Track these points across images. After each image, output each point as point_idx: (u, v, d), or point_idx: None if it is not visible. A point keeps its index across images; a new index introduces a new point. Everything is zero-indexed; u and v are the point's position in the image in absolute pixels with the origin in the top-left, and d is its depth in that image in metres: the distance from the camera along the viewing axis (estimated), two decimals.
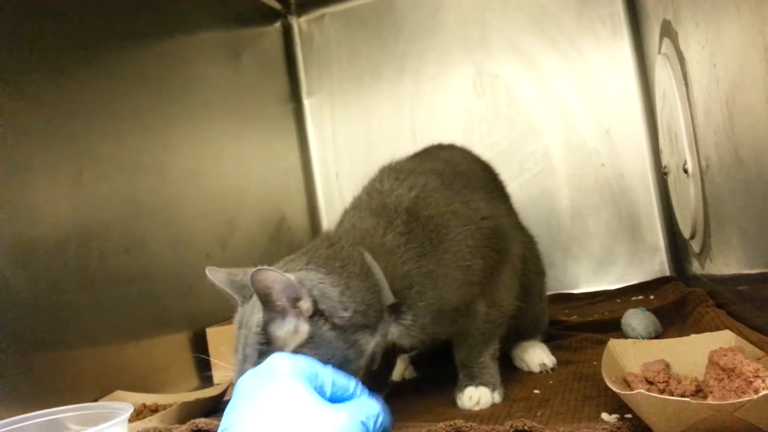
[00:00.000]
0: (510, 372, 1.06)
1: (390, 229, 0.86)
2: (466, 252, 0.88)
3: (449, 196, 0.92)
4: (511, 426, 0.75)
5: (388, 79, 1.96)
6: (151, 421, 0.96)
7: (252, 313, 0.76)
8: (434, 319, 0.87)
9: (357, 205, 0.93)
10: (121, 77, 1.32)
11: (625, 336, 1.13)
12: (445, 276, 0.86)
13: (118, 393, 1.13)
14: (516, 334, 1.11)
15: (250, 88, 1.84)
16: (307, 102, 2.04)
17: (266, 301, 0.72)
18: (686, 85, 1.14)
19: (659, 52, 1.35)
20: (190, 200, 1.49)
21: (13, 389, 0.98)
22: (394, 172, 0.95)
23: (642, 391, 0.65)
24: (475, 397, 0.90)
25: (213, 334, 1.39)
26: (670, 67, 1.23)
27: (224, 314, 1.51)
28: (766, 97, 0.74)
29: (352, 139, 2.00)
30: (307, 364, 0.65)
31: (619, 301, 1.55)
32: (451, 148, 1.19)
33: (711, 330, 0.91)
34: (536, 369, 1.05)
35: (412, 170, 0.95)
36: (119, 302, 1.22)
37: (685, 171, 1.18)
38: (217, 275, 0.83)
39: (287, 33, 2.07)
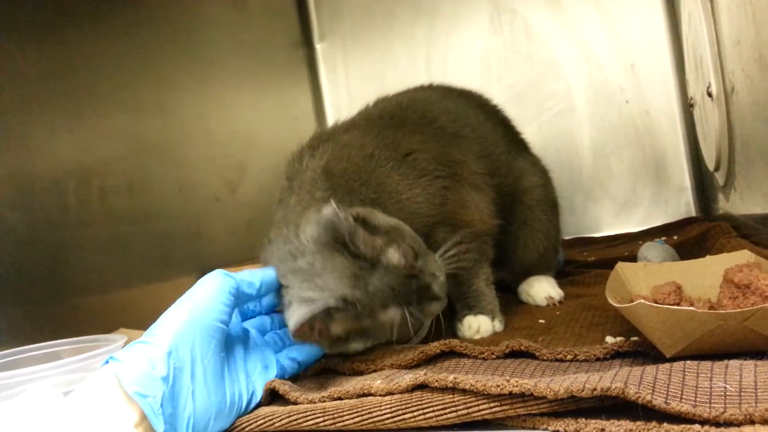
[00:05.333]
0: (516, 306, 1.02)
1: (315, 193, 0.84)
2: (399, 186, 0.87)
3: (362, 145, 0.90)
4: (507, 346, 0.71)
5: (401, 20, 1.89)
6: None
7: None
8: None
9: (285, 186, 0.91)
10: (120, 14, 1.28)
11: None
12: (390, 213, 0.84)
13: (122, 331, 1.12)
14: (523, 270, 1.08)
15: (258, 32, 1.79)
16: (319, 47, 1.98)
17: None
18: (711, 1, 1.06)
19: None
20: (196, 143, 1.46)
21: (10, 324, 0.98)
22: (309, 148, 0.92)
23: (642, 301, 0.60)
24: (475, 325, 0.86)
25: None
26: None
27: (233, 257, 1.50)
28: None
29: (366, 83, 1.94)
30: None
31: (640, 243, 1.48)
32: (417, 90, 1.16)
33: None
34: (542, 302, 1.00)
35: (327, 139, 0.93)
36: (122, 241, 1.21)
37: (710, 95, 1.10)
38: None
39: None
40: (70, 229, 1.10)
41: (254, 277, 0.76)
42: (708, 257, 0.80)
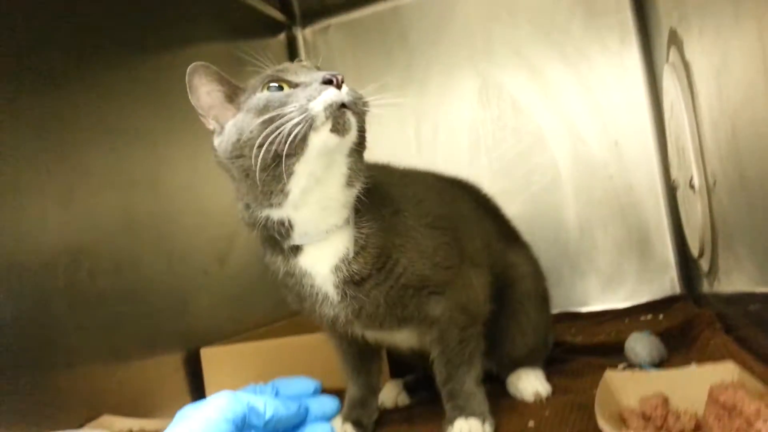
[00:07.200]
0: (504, 401, 1.01)
1: None
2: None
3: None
4: None
5: (392, 91, 1.91)
6: None
7: None
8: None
9: None
10: (115, 90, 1.29)
11: (628, 360, 1.08)
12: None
13: (105, 418, 1.10)
14: (512, 363, 1.07)
15: None
16: None
17: None
18: (692, 95, 1.09)
19: (667, 61, 1.30)
20: (185, 215, 1.46)
21: None
22: None
23: None
24: (465, 429, 0.85)
25: (207, 354, 1.35)
26: (676, 77, 1.18)
27: (220, 333, 1.48)
28: None
29: None
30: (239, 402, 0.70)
31: (627, 321, 1.49)
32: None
33: (715, 358, 0.86)
34: (530, 398, 1.00)
35: None
36: (110, 322, 1.19)
37: (692, 187, 1.13)
38: None
39: (292, 44, 2.05)
40: (57, 313, 1.09)
41: (268, 406, 0.73)
42: (693, 367, 0.81)
